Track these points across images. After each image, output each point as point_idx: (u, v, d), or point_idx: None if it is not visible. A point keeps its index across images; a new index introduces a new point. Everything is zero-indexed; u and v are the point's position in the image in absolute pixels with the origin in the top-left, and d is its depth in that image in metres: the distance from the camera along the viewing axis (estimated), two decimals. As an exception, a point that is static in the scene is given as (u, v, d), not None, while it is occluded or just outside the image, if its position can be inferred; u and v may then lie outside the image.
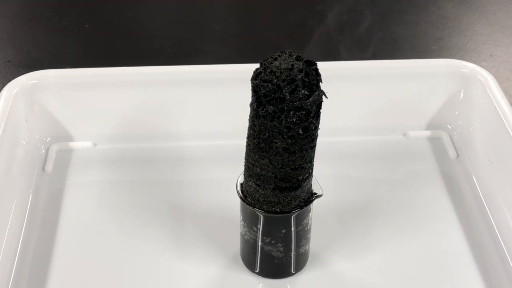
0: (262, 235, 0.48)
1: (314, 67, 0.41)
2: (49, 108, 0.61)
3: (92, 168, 0.60)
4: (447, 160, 0.61)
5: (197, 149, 0.62)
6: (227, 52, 0.76)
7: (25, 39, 0.78)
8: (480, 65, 0.63)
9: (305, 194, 0.46)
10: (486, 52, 0.76)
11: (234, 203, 0.49)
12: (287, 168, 0.43)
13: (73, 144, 0.62)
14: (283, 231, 0.48)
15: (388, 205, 0.57)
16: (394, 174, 0.60)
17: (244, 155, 0.45)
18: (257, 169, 0.44)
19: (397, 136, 0.63)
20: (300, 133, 0.42)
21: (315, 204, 0.48)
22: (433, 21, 0.81)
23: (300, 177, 0.44)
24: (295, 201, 0.45)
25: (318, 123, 0.42)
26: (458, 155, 0.61)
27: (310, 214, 0.48)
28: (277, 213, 0.46)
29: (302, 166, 0.43)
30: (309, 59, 0.41)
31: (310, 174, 0.45)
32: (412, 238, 0.54)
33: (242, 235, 0.50)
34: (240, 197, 0.47)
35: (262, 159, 0.43)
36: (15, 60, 0.74)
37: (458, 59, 0.66)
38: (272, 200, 0.45)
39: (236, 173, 0.48)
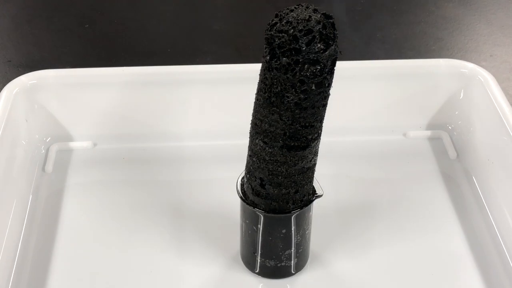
0: (262, 235, 0.48)
1: (331, 20, 0.40)
2: (49, 108, 0.61)
3: (92, 168, 0.60)
4: (447, 160, 0.61)
5: (197, 149, 0.62)
6: (227, 52, 0.76)
7: (25, 39, 0.78)
8: (480, 65, 0.64)
9: (312, 156, 0.44)
10: (486, 52, 0.76)
11: (234, 203, 0.49)
12: (297, 125, 0.42)
13: (73, 144, 0.62)
14: (283, 231, 0.47)
15: (388, 205, 0.57)
16: (394, 174, 0.60)
17: (244, 155, 0.45)
18: (266, 125, 0.42)
19: (397, 136, 0.63)
20: (313, 89, 0.40)
21: (315, 204, 0.48)
22: (433, 21, 0.81)
23: (310, 136, 0.42)
24: (301, 162, 0.44)
25: (332, 80, 0.41)
26: (458, 155, 0.61)
27: (310, 214, 0.48)
28: (277, 213, 0.46)
29: (313, 124, 0.42)
30: (326, 13, 0.40)
31: (319, 135, 0.44)
32: (412, 238, 0.54)
33: (242, 235, 0.50)
34: (240, 197, 0.47)
35: (272, 114, 0.41)
36: (15, 60, 0.74)
37: (458, 59, 0.66)
38: (278, 159, 0.43)
39: (236, 173, 0.48)
